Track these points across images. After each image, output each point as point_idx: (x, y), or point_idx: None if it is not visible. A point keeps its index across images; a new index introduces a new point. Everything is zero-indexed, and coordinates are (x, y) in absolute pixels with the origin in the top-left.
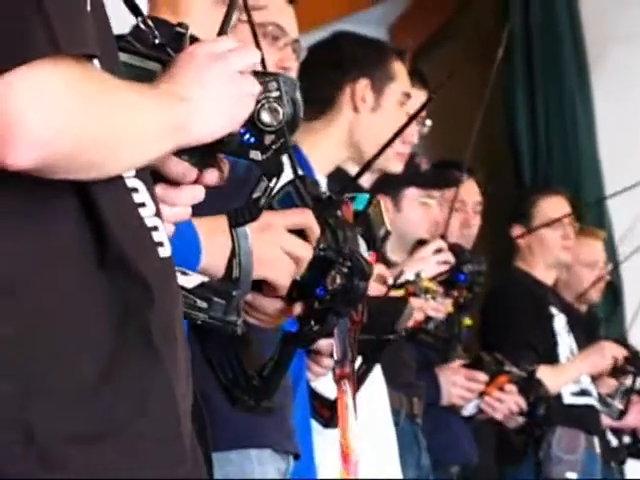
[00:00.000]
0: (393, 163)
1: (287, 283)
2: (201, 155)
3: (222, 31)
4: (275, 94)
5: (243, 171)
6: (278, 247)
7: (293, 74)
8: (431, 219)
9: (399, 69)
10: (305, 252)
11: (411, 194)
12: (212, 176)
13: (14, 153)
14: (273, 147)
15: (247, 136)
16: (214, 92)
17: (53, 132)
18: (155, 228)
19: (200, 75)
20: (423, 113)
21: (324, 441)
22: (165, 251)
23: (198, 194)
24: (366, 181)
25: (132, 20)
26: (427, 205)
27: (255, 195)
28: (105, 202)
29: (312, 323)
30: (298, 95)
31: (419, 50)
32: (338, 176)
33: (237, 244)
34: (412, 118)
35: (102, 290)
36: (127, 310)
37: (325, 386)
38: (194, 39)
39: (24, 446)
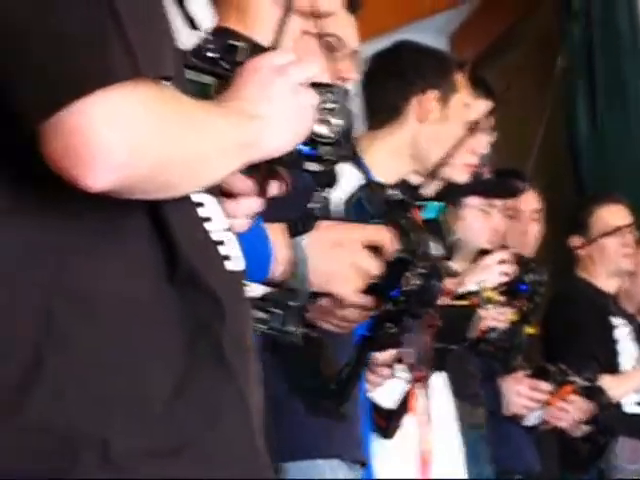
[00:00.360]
0: (459, 173)
1: (354, 298)
2: (260, 168)
3: (276, 42)
4: (330, 105)
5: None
6: (350, 264)
7: (351, 85)
8: (492, 228)
9: (460, 80)
10: (371, 268)
11: (473, 203)
12: (273, 188)
13: (93, 175)
14: (328, 158)
15: (304, 147)
16: (280, 107)
17: (131, 154)
18: (221, 242)
19: (265, 90)
20: (492, 122)
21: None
22: (234, 264)
23: (255, 206)
24: (429, 190)
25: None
26: (488, 214)
27: (311, 206)
28: (174, 218)
29: (387, 325)
30: (351, 106)
31: (480, 58)
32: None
33: (295, 255)
34: (473, 129)
35: (174, 306)
36: (199, 325)
37: (382, 396)
38: (263, 49)
39: (100, 462)
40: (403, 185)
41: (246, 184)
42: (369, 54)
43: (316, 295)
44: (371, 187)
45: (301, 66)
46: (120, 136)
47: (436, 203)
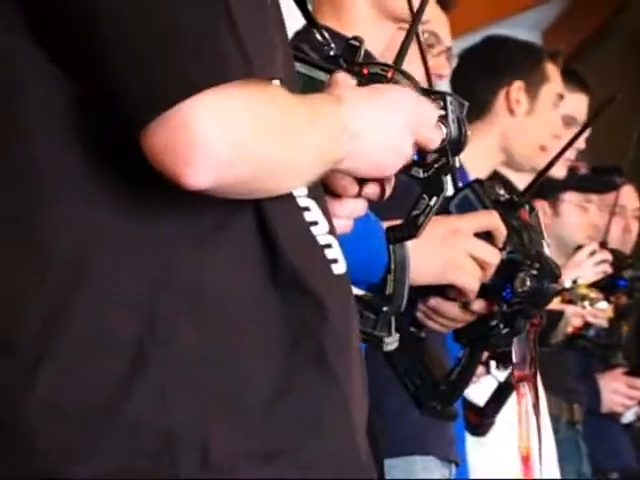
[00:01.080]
0: (558, 168)
1: (476, 288)
2: None
3: (397, 61)
4: (441, 113)
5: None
6: (465, 252)
7: (446, 81)
8: (589, 223)
9: (552, 70)
10: (493, 257)
11: (569, 198)
12: (373, 190)
13: (194, 173)
14: (435, 166)
15: None
16: (382, 139)
17: (234, 154)
18: (329, 245)
19: (383, 123)
20: (584, 117)
21: (490, 445)
22: (339, 268)
23: (360, 207)
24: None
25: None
26: (585, 209)
27: (414, 213)
28: (278, 220)
29: (500, 326)
30: (464, 116)
31: (574, 53)
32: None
33: (393, 260)
34: (585, 127)
35: (277, 308)
36: (301, 328)
37: (475, 393)
38: (367, 54)
39: (200, 463)
40: (505, 183)
41: (343, 183)
42: (461, 51)
43: (426, 293)
44: (480, 186)
45: (430, 131)
46: (224, 136)
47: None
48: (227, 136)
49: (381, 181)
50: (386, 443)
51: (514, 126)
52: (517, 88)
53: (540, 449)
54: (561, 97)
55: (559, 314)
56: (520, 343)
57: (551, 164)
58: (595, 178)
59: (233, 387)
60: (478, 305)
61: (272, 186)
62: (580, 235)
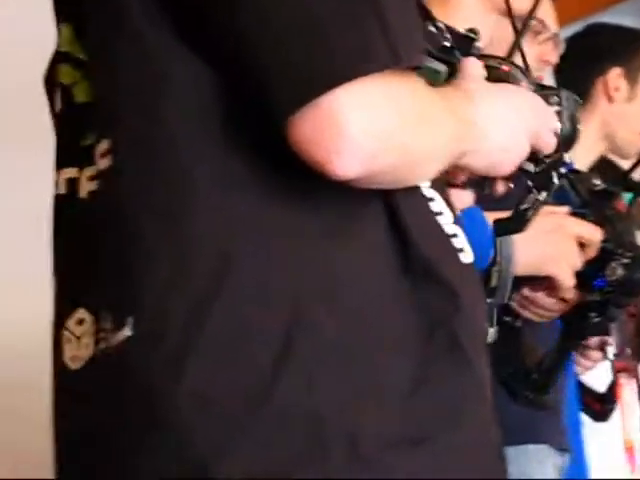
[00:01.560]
0: None
1: (571, 283)
2: None
3: (510, 55)
4: (555, 109)
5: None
6: (563, 248)
7: (552, 68)
8: None
9: None
10: (595, 235)
11: None
12: (500, 186)
13: (341, 162)
14: (547, 161)
15: None
16: (504, 138)
17: (379, 145)
18: (455, 235)
19: (508, 122)
20: None
21: (593, 435)
22: (467, 257)
23: (467, 199)
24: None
25: None
26: None
27: (523, 207)
28: (407, 210)
29: (592, 315)
30: (578, 112)
31: None
32: (604, 169)
33: (500, 253)
34: None
35: (410, 297)
36: (435, 316)
37: (594, 379)
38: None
39: (349, 455)
40: (607, 170)
41: (458, 176)
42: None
43: (522, 282)
44: (575, 176)
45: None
46: (371, 126)
47: (629, 193)
48: (372, 126)
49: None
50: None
51: (614, 113)
52: (616, 75)
53: None
54: None
55: None
56: (618, 334)
57: None
58: None
59: (374, 378)
60: (571, 294)
61: (413, 175)
62: None
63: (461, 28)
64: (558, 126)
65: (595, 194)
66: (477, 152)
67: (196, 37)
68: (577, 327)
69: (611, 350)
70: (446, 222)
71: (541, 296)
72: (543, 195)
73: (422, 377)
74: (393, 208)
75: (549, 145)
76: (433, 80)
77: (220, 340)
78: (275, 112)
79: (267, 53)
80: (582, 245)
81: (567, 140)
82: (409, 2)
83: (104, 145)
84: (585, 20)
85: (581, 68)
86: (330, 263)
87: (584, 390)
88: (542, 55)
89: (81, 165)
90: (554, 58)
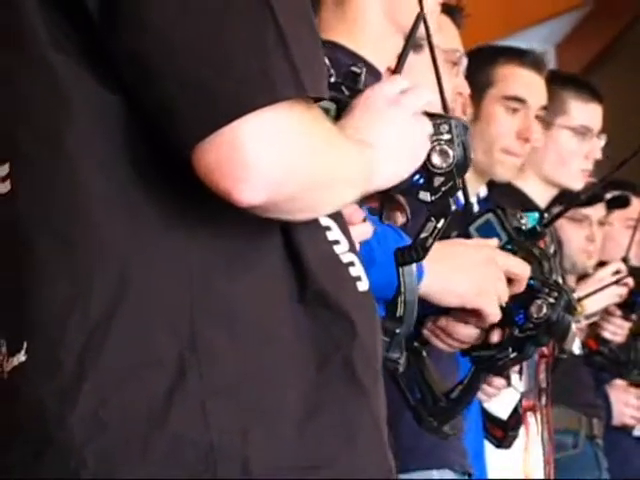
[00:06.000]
0: (576, 181)
1: (497, 317)
2: (378, 197)
3: (397, 70)
4: (446, 137)
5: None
6: (495, 282)
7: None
8: (585, 237)
9: (505, 72)
10: (524, 270)
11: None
12: (397, 219)
13: (246, 189)
14: (442, 189)
15: (417, 177)
16: (394, 136)
17: (282, 174)
18: (351, 263)
19: (380, 120)
20: (599, 127)
21: (496, 461)
22: (363, 285)
23: (365, 232)
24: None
25: None
26: (580, 222)
27: (422, 235)
28: (304, 240)
29: (509, 350)
30: (469, 139)
31: (587, 66)
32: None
33: (403, 282)
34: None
35: (305, 325)
36: (330, 344)
37: (497, 406)
38: (372, 69)
39: (241, 477)
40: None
41: (349, 210)
42: None
43: (436, 312)
44: (502, 212)
45: (415, 95)
46: (276, 154)
47: (535, 213)
48: (277, 155)
49: (402, 207)
50: (405, 457)
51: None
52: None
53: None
54: (517, 100)
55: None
56: (529, 373)
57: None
58: (602, 195)
59: (268, 404)
60: (497, 336)
61: (323, 203)
62: (575, 250)
63: (366, 51)
64: (430, 131)
65: (522, 232)
66: (378, 166)
67: (101, 64)
68: (491, 360)
69: (518, 384)
70: (342, 251)
71: (460, 327)
72: (441, 223)
73: (316, 403)
74: (291, 238)
75: (425, 148)
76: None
77: (115, 367)
78: (180, 140)
79: (174, 83)
80: (509, 280)
81: (460, 167)
82: (317, 36)
83: (4, 169)
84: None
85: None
86: (227, 291)
87: (487, 417)
88: (457, 88)
89: None
90: (467, 90)
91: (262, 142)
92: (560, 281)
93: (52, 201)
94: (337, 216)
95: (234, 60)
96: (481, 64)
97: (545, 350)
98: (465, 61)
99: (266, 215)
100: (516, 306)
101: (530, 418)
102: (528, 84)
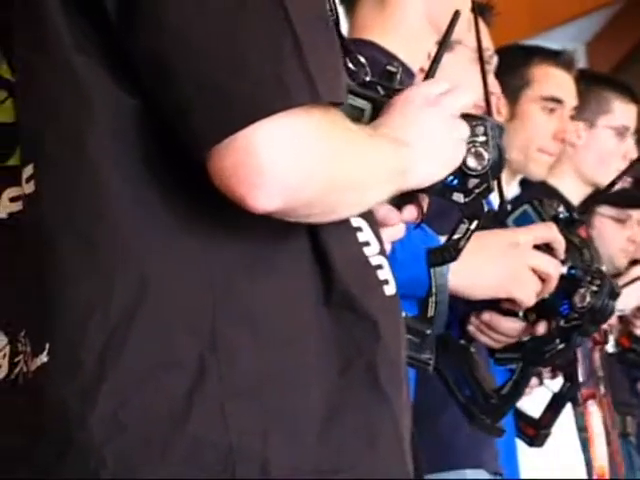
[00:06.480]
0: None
1: (532, 301)
2: (401, 195)
3: (430, 71)
4: (482, 139)
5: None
6: (526, 266)
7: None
8: (626, 237)
9: (541, 73)
10: (554, 269)
11: (604, 211)
12: (410, 213)
13: (260, 195)
14: (476, 191)
15: (451, 178)
16: (431, 137)
17: (299, 179)
18: (380, 266)
19: (417, 120)
20: (634, 127)
21: (528, 460)
22: (390, 289)
23: (398, 232)
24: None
25: None
26: (622, 222)
27: (455, 237)
28: (332, 241)
29: (557, 341)
30: (504, 141)
31: (618, 64)
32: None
33: (434, 283)
34: (623, 134)
35: (330, 328)
36: (354, 347)
37: (529, 405)
38: (406, 68)
39: (260, 477)
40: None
41: (382, 212)
42: None
43: (480, 307)
44: (539, 203)
45: (454, 96)
46: (291, 160)
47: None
48: (293, 160)
49: (417, 203)
50: (439, 457)
51: None
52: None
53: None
54: (556, 100)
55: None
56: (585, 362)
57: (613, 184)
58: (628, 193)
59: (289, 406)
60: (541, 327)
61: (341, 208)
62: (615, 250)
63: (401, 51)
64: (467, 134)
65: (560, 221)
66: (413, 166)
67: (120, 66)
68: (540, 353)
69: (557, 383)
70: (372, 253)
71: (504, 321)
72: (474, 224)
73: (339, 407)
74: (318, 239)
75: (461, 151)
76: (356, 117)
77: (135, 368)
78: (196, 144)
79: (190, 85)
80: (549, 250)
81: (494, 169)
82: (333, 40)
83: (29, 170)
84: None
85: None
86: (249, 292)
87: (519, 415)
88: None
89: (3, 185)
90: (498, 89)
91: (277, 148)
92: (603, 269)
93: (75, 201)
94: (369, 216)
95: (250, 66)
96: (514, 64)
97: (597, 337)
98: (496, 60)
99: (286, 219)
100: (559, 296)
101: (591, 407)
102: (563, 84)
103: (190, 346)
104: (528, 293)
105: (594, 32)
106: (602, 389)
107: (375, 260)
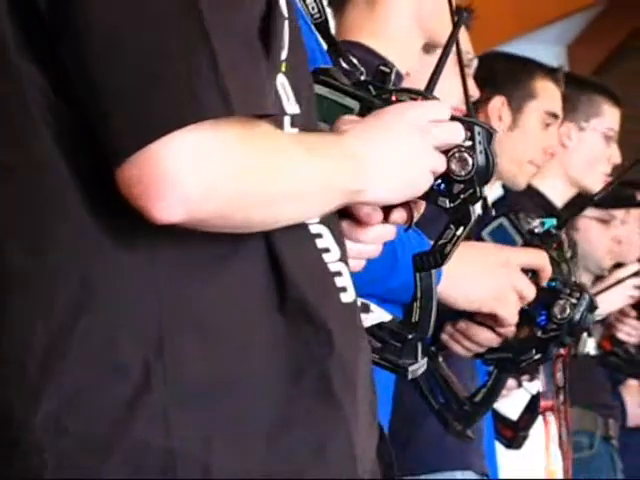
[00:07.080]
0: (598, 184)
1: (514, 321)
2: None
3: (431, 84)
4: (467, 143)
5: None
6: (511, 286)
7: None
8: (612, 238)
9: (544, 87)
10: (529, 292)
11: (588, 212)
12: (400, 215)
13: (161, 207)
14: (462, 196)
15: (438, 182)
16: (400, 160)
17: (200, 192)
18: (339, 273)
19: (398, 139)
20: (616, 129)
21: (506, 462)
22: (348, 296)
23: (387, 233)
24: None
25: None
26: (607, 223)
27: (441, 242)
28: (287, 248)
29: (533, 352)
30: (493, 146)
31: (599, 68)
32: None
33: (419, 288)
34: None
35: (283, 335)
36: (307, 355)
37: (507, 407)
38: (398, 75)
39: None
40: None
41: (365, 210)
42: None
43: (456, 316)
44: (515, 216)
45: (447, 131)
46: (195, 173)
47: (552, 219)
48: (199, 173)
49: (408, 206)
50: (429, 458)
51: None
52: (499, 104)
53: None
54: (554, 116)
55: None
56: (545, 373)
57: (607, 187)
58: (612, 193)
59: (236, 413)
60: (510, 331)
61: (262, 219)
62: (601, 251)
63: (390, 53)
64: (443, 168)
65: (536, 235)
66: (373, 181)
67: (51, 72)
68: (515, 362)
69: (528, 385)
70: (331, 260)
71: (479, 331)
72: (460, 230)
73: (288, 416)
74: (272, 245)
75: (452, 133)
76: (343, 115)
77: (78, 372)
78: (109, 156)
79: (107, 98)
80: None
81: (481, 174)
82: (257, 56)
83: None
84: (501, 47)
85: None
86: (198, 298)
87: (497, 417)
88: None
89: None
90: (476, 92)
91: (181, 160)
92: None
93: (20, 204)
94: (331, 223)
95: (165, 78)
96: (517, 76)
97: (561, 350)
98: (475, 63)
99: (202, 230)
100: (538, 307)
101: (550, 417)
102: (559, 101)
103: (135, 351)
104: (511, 311)
105: (575, 34)
106: (562, 400)
107: (334, 267)
